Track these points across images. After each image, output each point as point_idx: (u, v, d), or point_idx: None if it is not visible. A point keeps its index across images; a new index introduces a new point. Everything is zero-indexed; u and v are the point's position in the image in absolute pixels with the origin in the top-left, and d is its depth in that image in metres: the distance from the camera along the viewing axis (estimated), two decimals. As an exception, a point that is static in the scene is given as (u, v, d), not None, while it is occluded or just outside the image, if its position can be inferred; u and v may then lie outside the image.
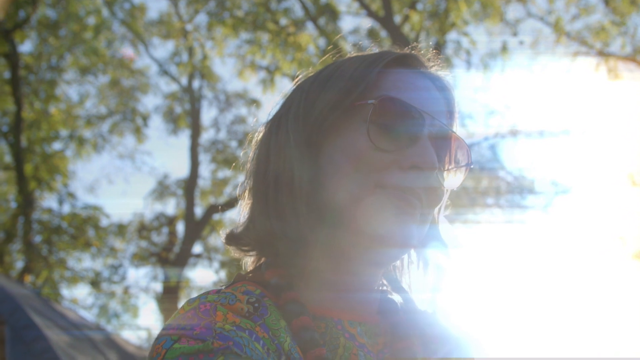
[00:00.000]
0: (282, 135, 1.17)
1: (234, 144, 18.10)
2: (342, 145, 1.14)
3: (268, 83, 16.84)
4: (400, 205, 1.11)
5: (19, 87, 14.81)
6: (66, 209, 16.57)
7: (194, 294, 1.05)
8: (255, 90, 22.44)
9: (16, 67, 14.92)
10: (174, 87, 18.80)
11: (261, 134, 1.23)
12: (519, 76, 15.53)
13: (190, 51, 17.13)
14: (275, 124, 1.21)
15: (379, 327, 1.19)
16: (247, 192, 1.21)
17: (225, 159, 17.81)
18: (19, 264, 16.42)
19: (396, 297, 1.28)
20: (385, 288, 1.28)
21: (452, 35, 15.30)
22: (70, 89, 18.63)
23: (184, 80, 18.00)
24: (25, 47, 16.50)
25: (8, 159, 16.76)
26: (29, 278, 15.65)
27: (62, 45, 16.74)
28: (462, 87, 15.50)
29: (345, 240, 1.13)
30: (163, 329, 0.99)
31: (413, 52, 1.26)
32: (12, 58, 14.80)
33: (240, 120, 18.20)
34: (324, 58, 1.30)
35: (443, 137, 1.18)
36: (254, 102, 17.81)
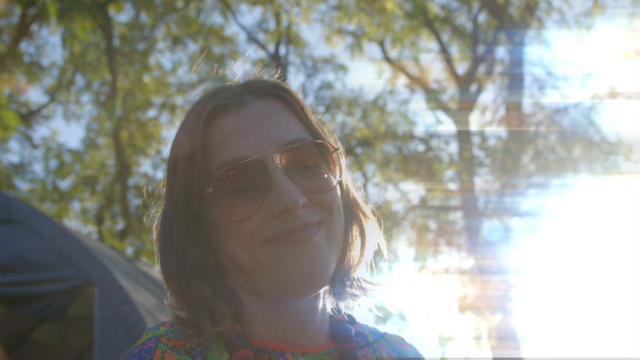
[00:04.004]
0: (174, 235, 1.19)
1: (321, 109, 18.17)
2: (216, 228, 1.16)
3: (355, 48, 16.76)
4: (296, 248, 1.12)
5: (114, 58, 15.39)
6: (160, 174, 17.25)
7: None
8: (342, 56, 22.34)
9: (111, 38, 15.50)
10: (261, 53, 19.01)
11: (156, 230, 1.25)
12: (618, 35, 14.68)
13: (277, 18, 17.22)
14: (162, 221, 1.23)
15: (329, 354, 1.21)
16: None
17: (313, 124, 17.89)
18: (119, 227, 17.30)
19: (350, 319, 1.30)
20: (338, 312, 1.29)
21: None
22: (163, 57, 19.17)
23: (271, 47, 18.17)
24: (120, 18, 17.06)
25: (108, 125, 17.53)
26: (128, 240, 16.48)
27: (155, 16, 17.21)
28: (556, 48, 14.83)
29: (267, 291, 1.16)
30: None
31: (224, 86, 1.28)
32: (108, 29, 15.36)
33: (328, 85, 18.21)
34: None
35: (300, 151, 1.16)
36: (342, 68, 17.78)
